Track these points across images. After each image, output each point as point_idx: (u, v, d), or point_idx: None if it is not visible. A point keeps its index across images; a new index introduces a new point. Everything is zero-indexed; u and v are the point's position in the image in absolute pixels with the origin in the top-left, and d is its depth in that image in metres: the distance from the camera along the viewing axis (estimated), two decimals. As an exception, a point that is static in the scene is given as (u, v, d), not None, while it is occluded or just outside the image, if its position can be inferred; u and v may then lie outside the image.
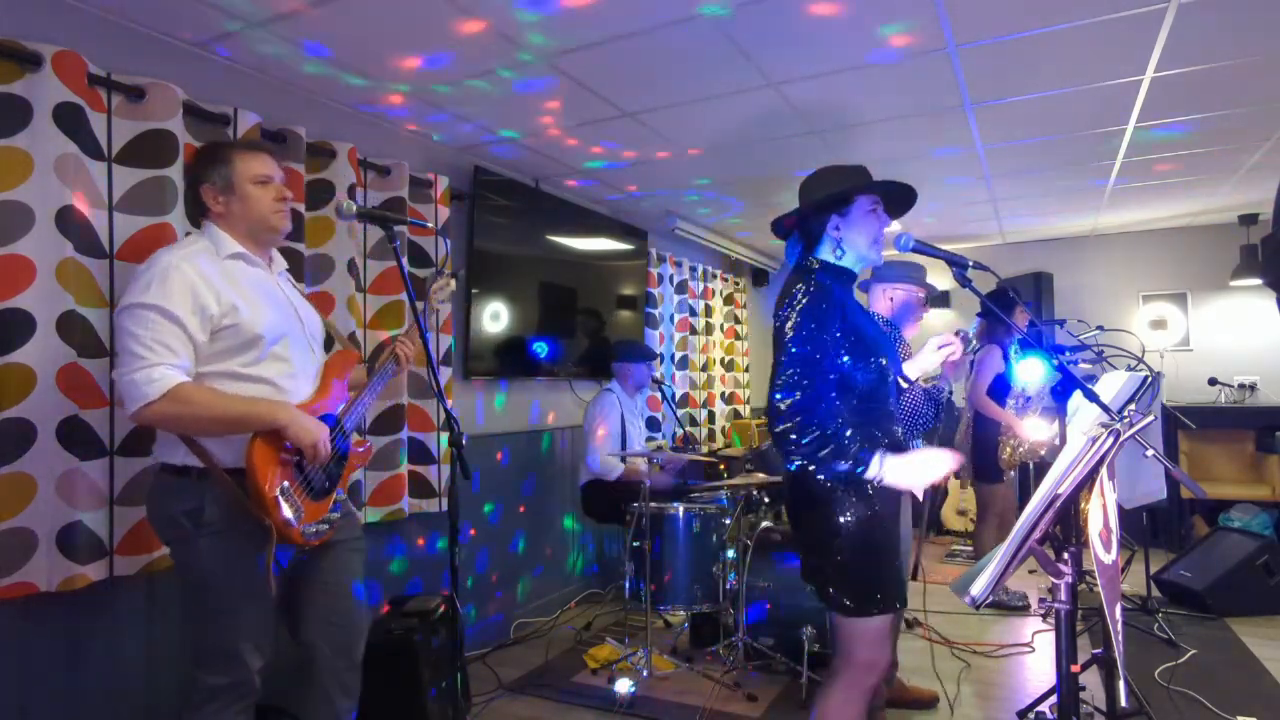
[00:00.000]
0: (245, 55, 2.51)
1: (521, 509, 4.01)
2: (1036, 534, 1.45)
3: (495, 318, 3.73)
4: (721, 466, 4.27)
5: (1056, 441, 4.15)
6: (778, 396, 1.74)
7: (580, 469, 4.03)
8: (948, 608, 3.98)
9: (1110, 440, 1.43)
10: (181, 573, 1.77)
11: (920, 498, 1.87)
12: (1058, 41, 2.49)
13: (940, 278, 6.13)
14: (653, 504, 3.28)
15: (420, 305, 2.10)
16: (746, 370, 6.51)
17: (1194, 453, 5.46)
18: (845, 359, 1.80)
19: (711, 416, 5.76)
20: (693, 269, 5.62)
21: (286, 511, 1.71)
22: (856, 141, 3.48)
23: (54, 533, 1.99)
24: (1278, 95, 2.99)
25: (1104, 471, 1.56)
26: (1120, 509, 2.41)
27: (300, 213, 2.65)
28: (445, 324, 3.34)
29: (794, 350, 1.75)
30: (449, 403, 3.03)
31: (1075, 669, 1.54)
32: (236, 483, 1.70)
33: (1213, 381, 5.40)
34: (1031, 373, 3.95)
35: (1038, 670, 3.27)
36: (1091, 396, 1.64)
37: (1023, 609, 4.07)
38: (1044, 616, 3.95)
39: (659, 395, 4.84)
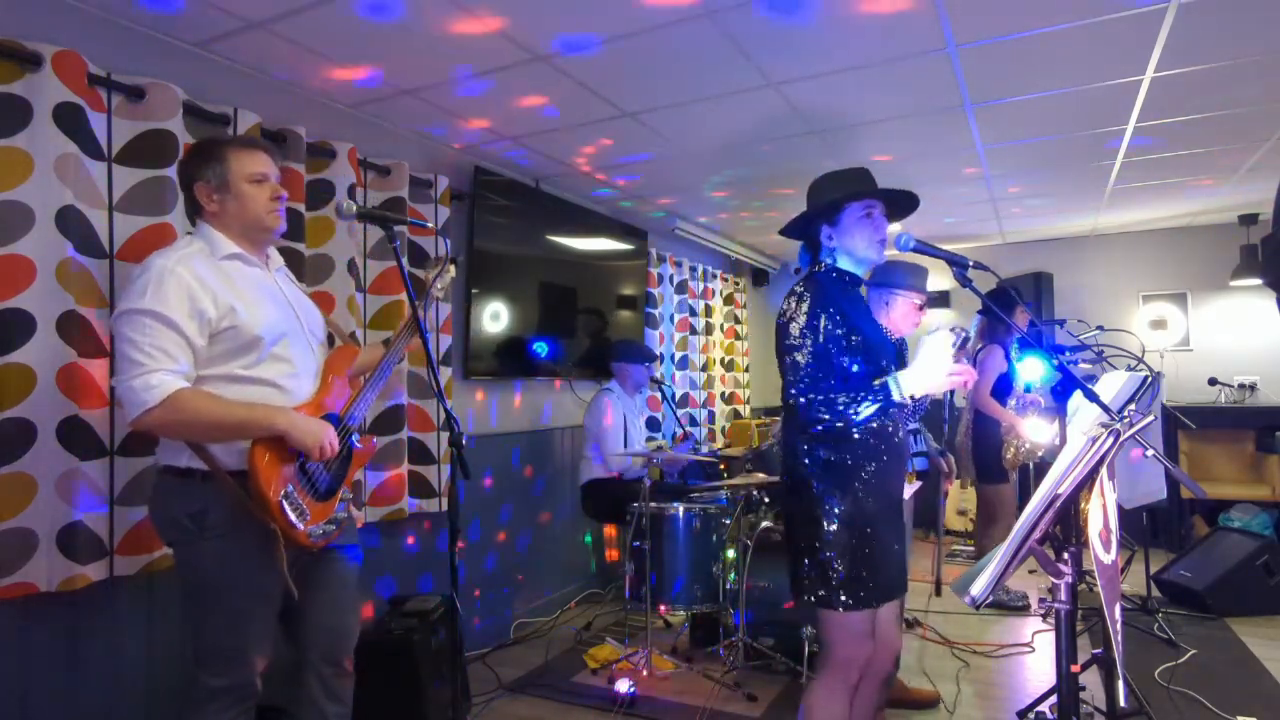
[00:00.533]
0: (245, 55, 2.51)
1: (521, 509, 4.00)
2: (1036, 534, 1.45)
3: (495, 318, 3.73)
4: (721, 466, 4.27)
5: (1056, 441, 4.15)
6: (793, 392, 1.83)
7: (580, 468, 4.03)
8: (948, 608, 3.98)
9: (1110, 440, 1.43)
10: (184, 574, 1.76)
11: (908, 497, 1.88)
12: (1058, 41, 2.49)
13: (940, 278, 6.15)
14: (653, 504, 3.28)
15: (420, 301, 2.10)
16: (746, 370, 6.51)
17: (1194, 453, 5.46)
18: (845, 358, 1.84)
19: (711, 416, 5.76)
20: (693, 269, 5.62)
21: (291, 515, 1.71)
22: (857, 141, 3.48)
23: (54, 533, 1.99)
24: (1278, 95, 2.99)
25: (1104, 471, 1.56)
26: (1120, 509, 2.41)
27: (300, 213, 2.65)
28: (445, 324, 3.34)
29: (800, 350, 1.82)
30: (449, 403, 3.03)
31: (1075, 669, 1.54)
32: (240, 485, 1.69)
33: (1213, 381, 5.40)
34: (1032, 372, 3.95)
35: (1038, 670, 3.27)
36: (1091, 396, 1.64)
37: (1023, 609, 4.07)
38: (1044, 616, 3.95)
39: (659, 395, 4.84)
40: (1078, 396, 1.86)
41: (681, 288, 5.46)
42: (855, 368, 1.84)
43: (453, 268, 2.32)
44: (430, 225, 2.44)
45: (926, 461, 3.13)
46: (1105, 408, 1.58)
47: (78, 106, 2.03)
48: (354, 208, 1.88)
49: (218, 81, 2.50)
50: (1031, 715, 2.64)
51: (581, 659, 3.41)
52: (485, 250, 3.63)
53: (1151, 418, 1.52)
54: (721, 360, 6.08)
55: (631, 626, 3.63)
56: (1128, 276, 5.95)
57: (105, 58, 2.15)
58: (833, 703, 1.86)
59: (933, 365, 1.76)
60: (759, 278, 7.01)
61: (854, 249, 1.93)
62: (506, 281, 3.81)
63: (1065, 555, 1.53)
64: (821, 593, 1.82)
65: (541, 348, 4.03)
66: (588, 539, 4.55)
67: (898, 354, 2.73)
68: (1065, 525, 1.56)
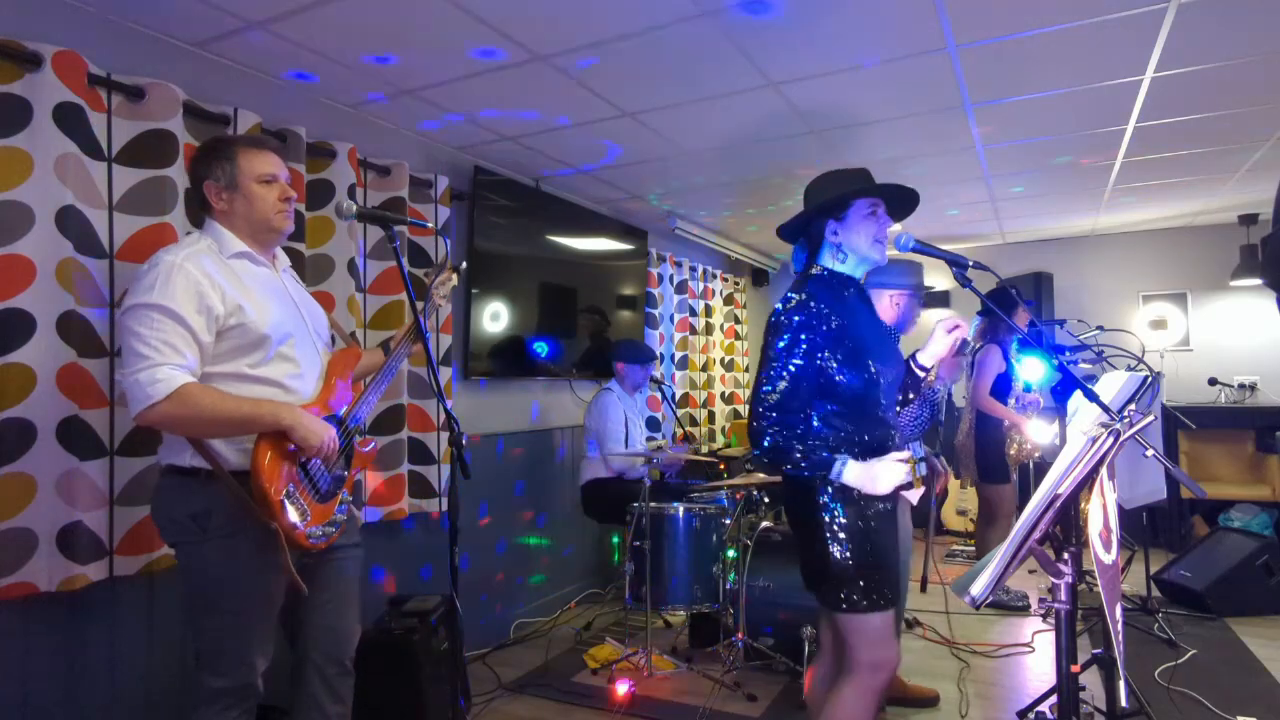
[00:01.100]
0: (245, 55, 2.51)
1: (521, 509, 4.01)
2: (1036, 534, 1.45)
3: (495, 317, 3.73)
4: (721, 466, 4.27)
5: (1056, 441, 4.15)
6: (760, 409, 1.82)
7: (580, 468, 4.03)
8: (948, 608, 3.98)
9: (1110, 440, 1.43)
10: (186, 575, 1.76)
11: (914, 501, 1.88)
12: (1058, 41, 2.49)
13: (940, 278, 6.15)
14: (653, 504, 3.28)
15: (421, 305, 2.09)
16: (746, 370, 6.51)
17: (1194, 453, 5.46)
18: (831, 365, 1.82)
19: (711, 416, 5.76)
20: (693, 269, 5.62)
21: (292, 515, 1.71)
22: (857, 141, 3.48)
23: (54, 533, 1.99)
24: (1278, 95, 2.99)
25: (1104, 471, 1.56)
26: (1120, 509, 2.41)
27: (300, 213, 2.65)
28: (445, 324, 3.34)
29: (777, 359, 1.82)
30: (449, 403, 3.03)
31: (1075, 669, 1.54)
32: (243, 485, 1.69)
33: (1213, 381, 5.40)
34: (1033, 373, 3.95)
35: (1038, 670, 3.27)
36: (1091, 396, 1.64)
37: (1023, 609, 4.07)
38: (1044, 616, 3.95)
39: (659, 395, 4.85)
40: (1078, 396, 1.86)
41: (681, 288, 5.46)
42: (840, 378, 1.82)
43: (455, 276, 2.31)
44: (430, 225, 2.44)
45: (924, 467, 3.12)
46: (1105, 408, 1.58)
47: (78, 106, 2.03)
48: (354, 208, 1.88)
49: (218, 81, 2.50)
50: (1031, 715, 2.64)
51: (581, 659, 3.41)
52: (485, 250, 3.63)
53: (1151, 418, 1.52)
54: (721, 360, 6.08)
55: (631, 626, 3.63)
56: (1128, 276, 5.95)
57: (105, 58, 2.15)
58: (859, 709, 1.83)
59: (875, 477, 1.77)
60: (759, 278, 7.01)
61: (858, 246, 1.91)
62: (506, 281, 3.81)
63: (1065, 555, 1.53)
64: (841, 599, 1.80)
65: (541, 348, 4.03)
66: (588, 539, 4.55)
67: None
68: (1065, 525, 1.56)
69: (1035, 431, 3.96)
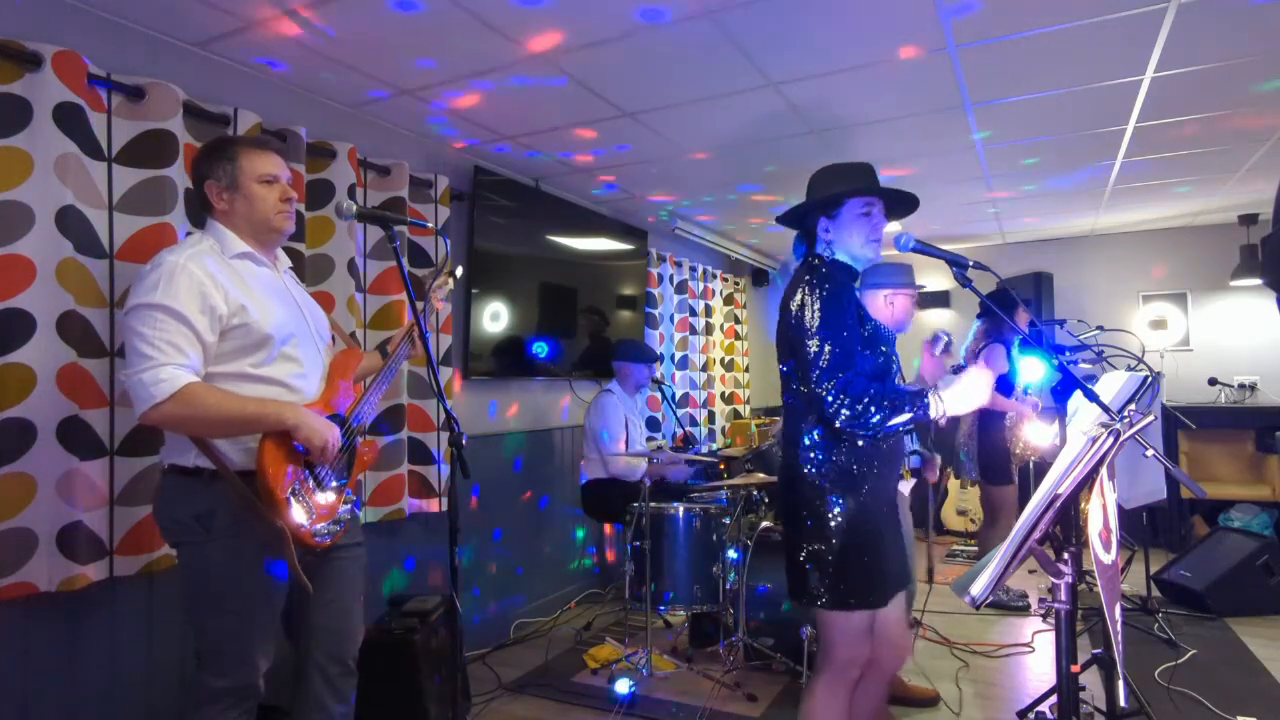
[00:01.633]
0: (245, 55, 2.51)
1: (521, 509, 4.00)
2: (1036, 534, 1.45)
3: (495, 318, 3.73)
4: (721, 466, 4.27)
5: (1056, 441, 4.15)
6: (821, 386, 1.73)
7: (580, 468, 4.03)
8: (948, 608, 3.98)
9: (1110, 440, 1.43)
10: (189, 575, 1.76)
11: (905, 492, 1.88)
12: (1058, 41, 2.49)
13: (940, 278, 6.15)
14: (653, 504, 3.28)
15: (420, 305, 2.10)
16: (746, 370, 6.51)
17: (1194, 453, 5.46)
18: (860, 348, 1.82)
19: (711, 416, 5.76)
20: (693, 269, 5.62)
21: (298, 513, 1.71)
22: (857, 141, 3.48)
23: (54, 533, 1.99)
24: (1278, 95, 2.99)
25: (1104, 471, 1.56)
26: (1120, 509, 2.41)
27: (300, 213, 2.65)
28: (445, 324, 3.34)
29: (822, 336, 1.76)
30: (449, 403, 3.03)
31: (1075, 669, 1.54)
32: (247, 484, 1.69)
33: (1213, 381, 5.40)
34: (1033, 373, 3.95)
35: (1038, 670, 3.27)
36: (1091, 396, 1.64)
37: (1023, 609, 4.07)
38: (1044, 616, 3.95)
39: (659, 395, 4.85)
40: (1078, 396, 1.86)
41: (681, 288, 5.46)
42: (867, 352, 1.83)
43: (451, 280, 2.31)
44: (430, 225, 2.43)
45: (920, 460, 3.13)
46: (1105, 408, 1.58)
47: (78, 106, 2.03)
48: (354, 208, 1.89)
49: (218, 81, 2.50)
50: (1031, 715, 2.64)
51: (581, 659, 3.41)
52: (485, 250, 3.63)
53: (1151, 418, 1.52)
54: (721, 360, 6.08)
55: (631, 626, 3.63)
56: (1128, 276, 5.95)
57: (105, 58, 2.15)
58: (832, 703, 1.85)
59: (977, 387, 1.74)
60: (759, 278, 7.01)
61: (850, 245, 1.91)
62: (506, 281, 3.81)
63: (1065, 555, 1.53)
64: (822, 593, 1.81)
65: (541, 348, 4.03)
66: (588, 539, 4.55)
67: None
68: (1065, 525, 1.55)
69: (1035, 432, 3.96)
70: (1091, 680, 2.76)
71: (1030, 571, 4.47)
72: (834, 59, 2.61)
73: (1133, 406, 1.76)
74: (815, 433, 1.85)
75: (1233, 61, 2.67)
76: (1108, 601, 1.61)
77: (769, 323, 6.90)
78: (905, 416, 1.72)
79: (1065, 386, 4.01)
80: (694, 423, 5.50)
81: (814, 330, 1.77)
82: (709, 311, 5.86)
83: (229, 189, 1.80)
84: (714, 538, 3.33)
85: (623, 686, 3.01)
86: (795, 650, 3.01)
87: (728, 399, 6.15)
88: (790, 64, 2.64)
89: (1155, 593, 4.03)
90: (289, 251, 2.50)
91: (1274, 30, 2.44)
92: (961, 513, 5.80)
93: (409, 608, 2.73)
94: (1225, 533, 4.28)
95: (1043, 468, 3.61)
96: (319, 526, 1.77)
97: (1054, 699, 2.06)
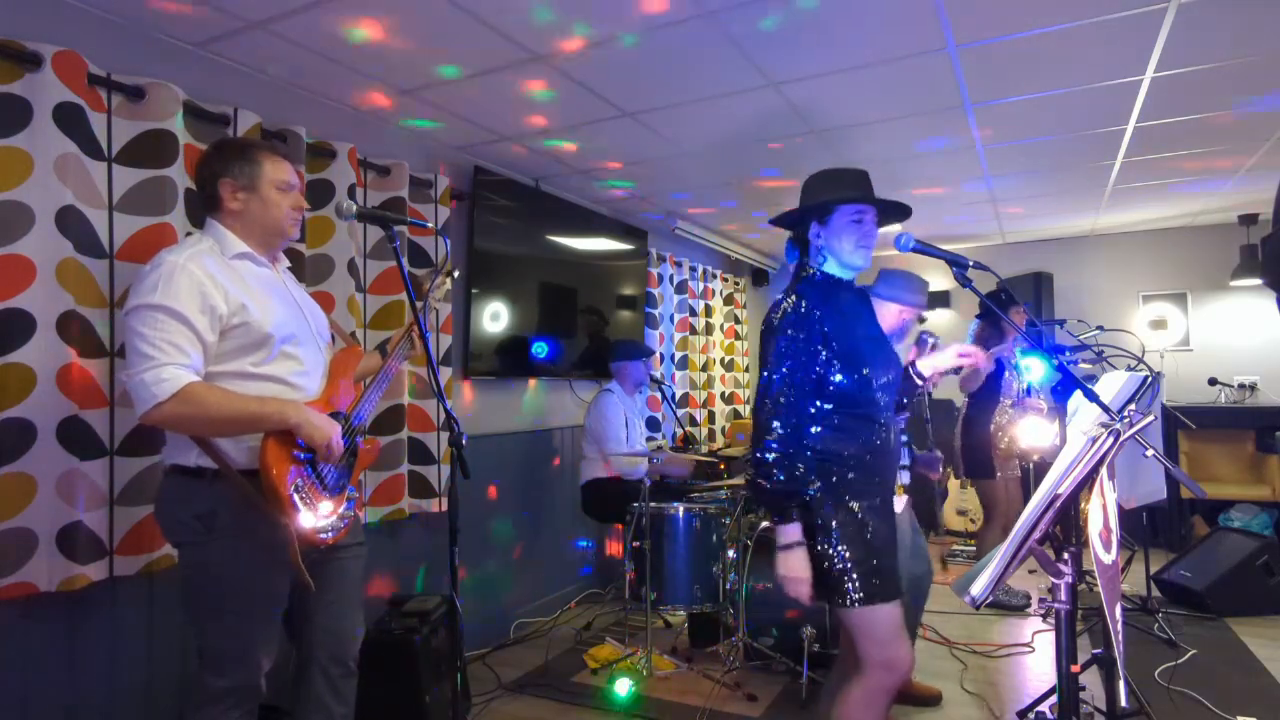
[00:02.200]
0: (245, 55, 2.51)
1: (522, 509, 4.00)
2: (1036, 534, 1.45)
3: (495, 317, 3.73)
4: (721, 466, 4.27)
5: (1056, 441, 4.15)
6: (766, 421, 1.82)
7: (580, 468, 4.03)
8: (948, 608, 3.98)
9: (1110, 440, 1.43)
10: (191, 575, 1.75)
11: (899, 508, 1.88)
12: (1058, 41, 2.49)
13: (940, 278, 6.15)
14: (653, 504, 3.28)
15: (420, 305, 2.10)
16: (746, 370, 6.51)
17: (1194, 453, 5.46)
18: (823, 366, 1.85)
19: (711, 416, 5.76)
20: (693, 269, 5.62)
21: (302, 511, 1.71)
22: (856, 141, 3.48)
23: (54, 533, 1.99)
24: (1278, 95, 2.99)
25: (1104, 471, 1.56)
26: (1120, 509, 2.41)
27: (300, 213, 2.65)
28: (445, 324, 3.34)
29: (773, 367, 1.84)
30: (449, 403, 3.03)
31: (1075, 669, 1.54)
32: (250, 484, 1.69)
33: (1213, 381, 5.40)
34: (1033, 373, 3.95)
35: (1038, 670, 3.27)
36: (1091, 396, 1.64)
37: (1025, 608, 4.07)
38: (1044, 616, 3.95)
39: (659, 395, 4.85)
40: (1078, 396, 1.86)
41: (681, 288, 5.46)
42: (838, 377, 1.84)
43: (449, 281, 2.32)
44: (430, 225, 2.44)
45: (909, 475, 3.11)
46: (1105, 408, 1.58)
47: (78, 106, 2.03)
48: (354, 208, 1.89)
49: (218, 81, 2.50)
50: (1031, 715, 2.64)
51: (581, 659, 3.41)
52: (485, 250, 3.63)
53: (1151, 418, 1.52)
54: (721, 360, 6.08)
55: (631, 626, 3.63)
56: (1128, 276, 5.95)
57: (105, 58, 2.15)
58: (870, 710, 1.81)
59: (789, 566, 1.80)
60: (759, 278, 7.01)
61: (840, 251, 1.92)
62: (506, 281, 3.81)
63: (1065, 555, 1.53)
64: (854, 594, 1.77)
65: (541, 348, 4.03)
66: (588, 539, 4.55)
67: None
68: (1065, 525, 1.56)
69: (1033, 431, 3.96)
70: (1091, 680, 2.76)
71: (1030, 571, 4.47)
72: (834, 59, 2.61)
73: (1133, 406, 1.77)
74: (811, 436, 1.84)
75: (1233, 61, 2.67)
76: (1108, 601, 1.61)
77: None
78: (782, 496, 1.80)
79: (1065, 386, 4.01)
80: (694, 423, 5.50)
81: (768, 355, 1.86)
82: (709, 311, 5.86)
83: (245, 189, 1.81)
84: (714, 538, 3.33)
85: (623, 686, 3.01)
86: (795, 650, 3.01)
87: (728, 399, 6.15)
88: (790, 64, 2.64)
89: (1155, 593, 4.03)
90: (288, 252, 2.50)
91: (1274, 30, 2.44)
92: (961, 513, 5.80)
93: (409, 608, 2.73)
94: (1225, 533, 4.28)
95: (1043, 468, 3.61)
96: (322, 524, 1.77)
97: (1054, 699, 2.06)
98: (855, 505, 1.81)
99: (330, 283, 2.77)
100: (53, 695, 2.05)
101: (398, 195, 3.08)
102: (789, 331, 1.84)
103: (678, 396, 5.32)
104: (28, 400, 1.94)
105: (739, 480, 3.53)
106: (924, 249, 1.84)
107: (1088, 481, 1.50)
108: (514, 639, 3.74)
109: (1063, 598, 1.53)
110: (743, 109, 3.06)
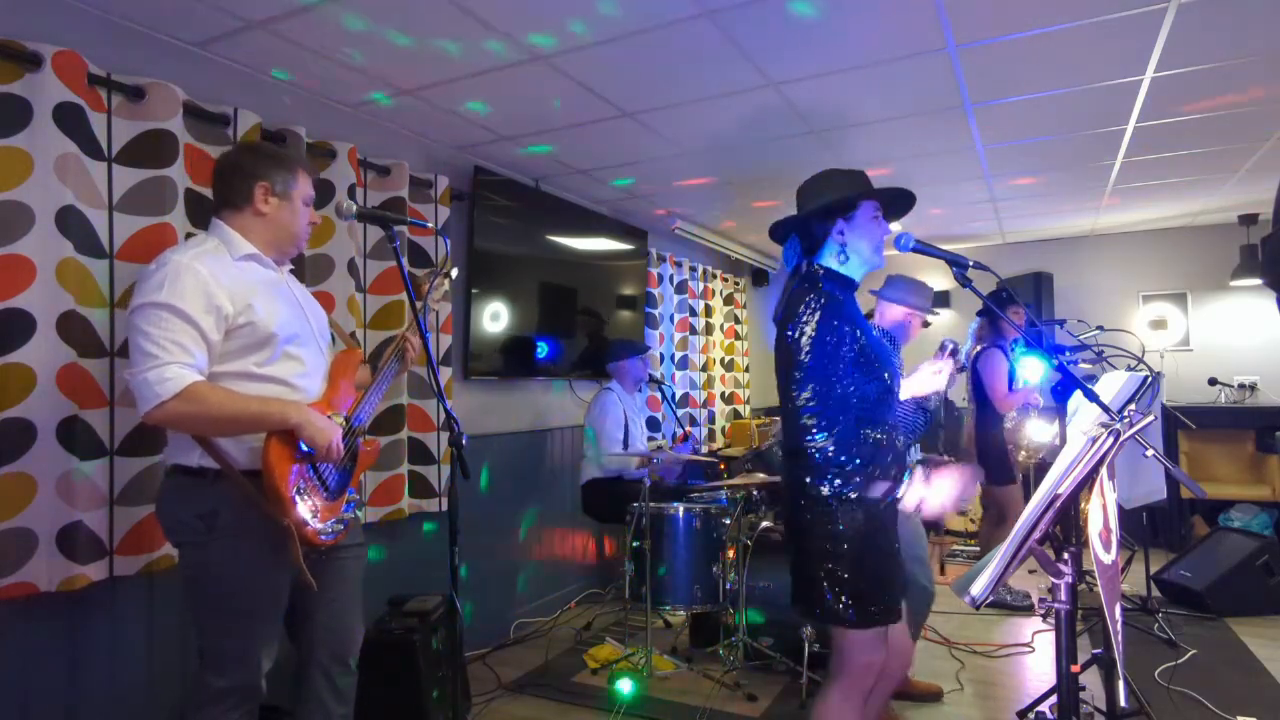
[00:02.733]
0: (245, 55, 2.51)
1: (521, 509, 4.00)
2: (1036, 534, 1.45)
3: (495, 317, 3.73)
4: (721, 466, 4.27)
5: (1056, 441, 4.15)
6: (809, 423, 1.75)
7: (580, 468, 4.03)
8: (948, 608, 3.98)
9: (1110, 440, 1.43)
10: (192, 575, 1.75)
11: (909, 509, 1.86)
12: (1058, 41, 2.49)
13: (940, 278, 6.15)
14: (653, 504, 3.28)
15: (420, 305, 2.10)
16: (746, 370, 6.51)
17: (1194, 453, 5.46)
18: (858, 375, 1.79)
19: (711, 416, 5.76)
20: (693, 269, 5.62)
21: (304, 511, 1.71)
22: (856, 141, 3.48)
23: (54, 533, 1.99)
24: (1278, 95, 2.99)
25: (1104, 471, 1.56)
26: (1120, 509, 2.41)
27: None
28: (445, 324, 3.34)
29: (813, 368, 1.75)
30: (449, 403, 3.03)
31: (1075, 669, 1.54)
32: (252, 484, 1.69)
33: (1213, 381, 5.40)
34: (1032, 373, 3.95)
35: (1038, 670, 3.27)
36: (1091, 396, 1.64)
37: (1026, 608, 4.07)
38: (1044, 616, 3.95)
39: (659, 395, 4.85)
40: (1078, 396, 1.86)
41: (681, 288, 5.46)
42: (857, 377, 1.79)
43: (446, 282, 2.32)
44: (430, 225, 2.44)
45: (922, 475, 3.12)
46: (1105, 408, 1.58)
47: (78, 106, 2.03)
48: (354, 208, 1.90)
49: (218, 81, 2.50)
50: (1031, 715, 2.64)
51: (581, 659, 3.41)
52: (485, 250, 3.63)
53: (1151, 418, 1.52)
54: (721, 360, 6.08)
55: (631, 626, 3.63)
56: (1128, 276, 5.95)
57: (105, 58, 2.15)
58: (847, 708, 1.83)
59: (939, 491, 1.78)
60: (759, 278, 7.01)
61: (862, 249, 1.88)
62: (506, 281, 3.81)
63: (1065, 555, 1.53)
64: (848, 614, 1.76)
65: (541, 348, 4.03)
66: (588, 539, 4.54)
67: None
68: (1065, 525, 1.56)
69: (1033, 431, 3.96)
70: (1091, 680, 2.76)
71: (1030, 571, 4.47)
72: (834, 59, 2.61)
73: (1132, 406, 1.77)
74: (818, 446, 1.77)
75: (1233, 61, 2.67)
76: (1108, 601, 1.61)
77: (769, 323, 6.89)
78: (880, 489, 1.76)
79: (1065, 386, 4.01)
80: (694, 422, 5.50)
81: (804, 359, 1.76)
82: (709, 311, 5.86)
83: (279, 196, 1.84)
84: (714, 538, 3.33)
85: (623, 686, 3.01)
86: (795, 650, 3.01)
87: (728, 399, 6.15)
88: (790, 64, 2.64)
89: (1155, 593, 4.03)
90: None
91: (1274, 30, 2.44)
92: (961, 513, 5.80)
93: (409, 608, 2.73)
94: (1225, 533, 4.28)
95: (1043, 468, 3.61)
96: (323, 525, 1.77)
97: (1054, 699, 2.06)
98: (873, 510, 1.77)
99: (330, 283, 2.77)
100: (53, 695, 2.05)
101: (398, 195, 3.08)
102: (826, 332, 1.76)
103: (678, 396, 5.32)
104: (28, 400, 1.94)
105: (739, 480, 3.52)
106: (924, 249, 1.84)
107: (1088, 481, 1.50)
108: (514, 639, 3.74)
109: (1063, 598, 1.53)
110: (743, 109, 3.05)
